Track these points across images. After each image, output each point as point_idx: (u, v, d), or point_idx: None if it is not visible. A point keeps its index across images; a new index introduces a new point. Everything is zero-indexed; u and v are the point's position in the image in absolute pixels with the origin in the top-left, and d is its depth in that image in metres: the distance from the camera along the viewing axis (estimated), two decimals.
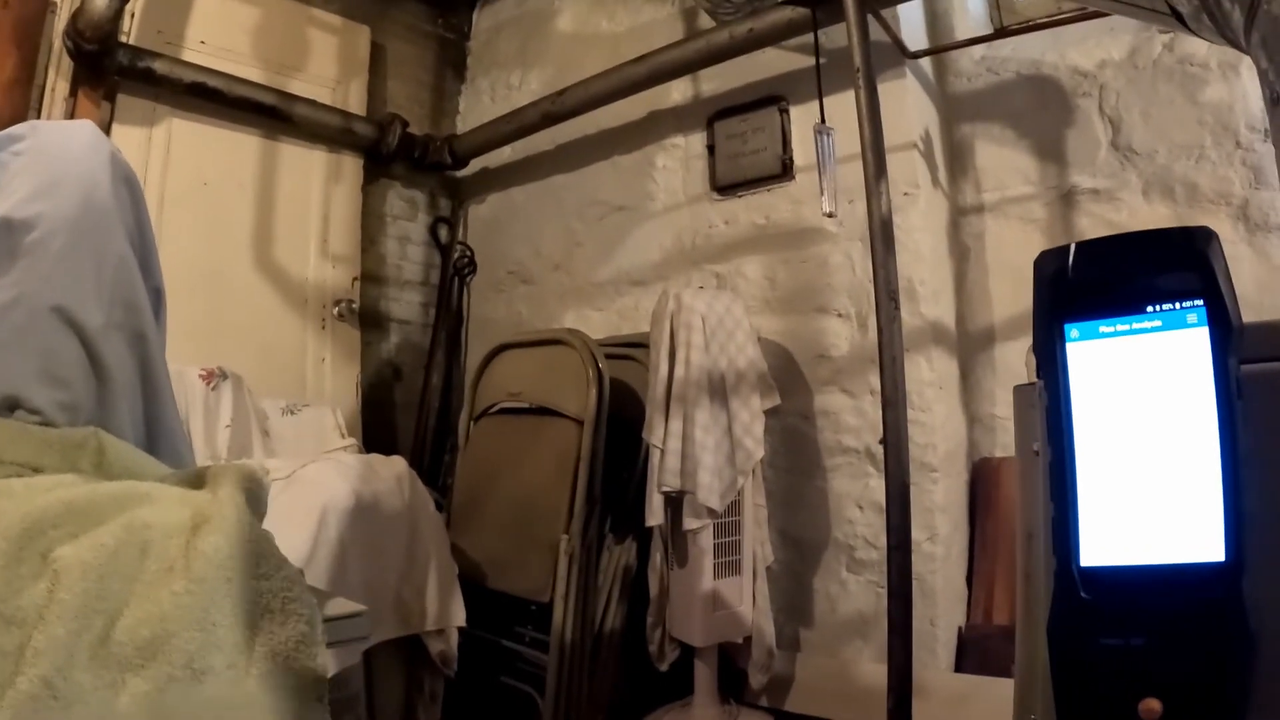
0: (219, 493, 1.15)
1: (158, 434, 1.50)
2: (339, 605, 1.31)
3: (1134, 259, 1.21)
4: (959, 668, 3.59)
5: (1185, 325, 1.14)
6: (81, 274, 1.34)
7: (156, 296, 1.59)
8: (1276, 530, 1.16)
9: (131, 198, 1.51)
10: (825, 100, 3.32)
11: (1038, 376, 1.27)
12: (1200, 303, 1.13)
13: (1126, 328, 1.18)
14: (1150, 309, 1.17)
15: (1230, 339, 1.11)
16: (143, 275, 1.51)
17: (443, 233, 5.89)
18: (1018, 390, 1.36)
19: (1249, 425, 1.13)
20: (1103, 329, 1.20)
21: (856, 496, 3.76)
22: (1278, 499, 1.17)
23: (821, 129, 3.13)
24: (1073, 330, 1.22)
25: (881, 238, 2.81)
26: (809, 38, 3.54)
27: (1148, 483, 1.16)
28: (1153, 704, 1.10)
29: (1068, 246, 1.22)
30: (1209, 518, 1.11)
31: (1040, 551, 1.24)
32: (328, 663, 1.07)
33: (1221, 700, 1.10)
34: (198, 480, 1.26)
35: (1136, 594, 1.15)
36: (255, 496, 1.20)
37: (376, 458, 3.33)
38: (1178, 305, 1.15)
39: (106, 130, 4.27)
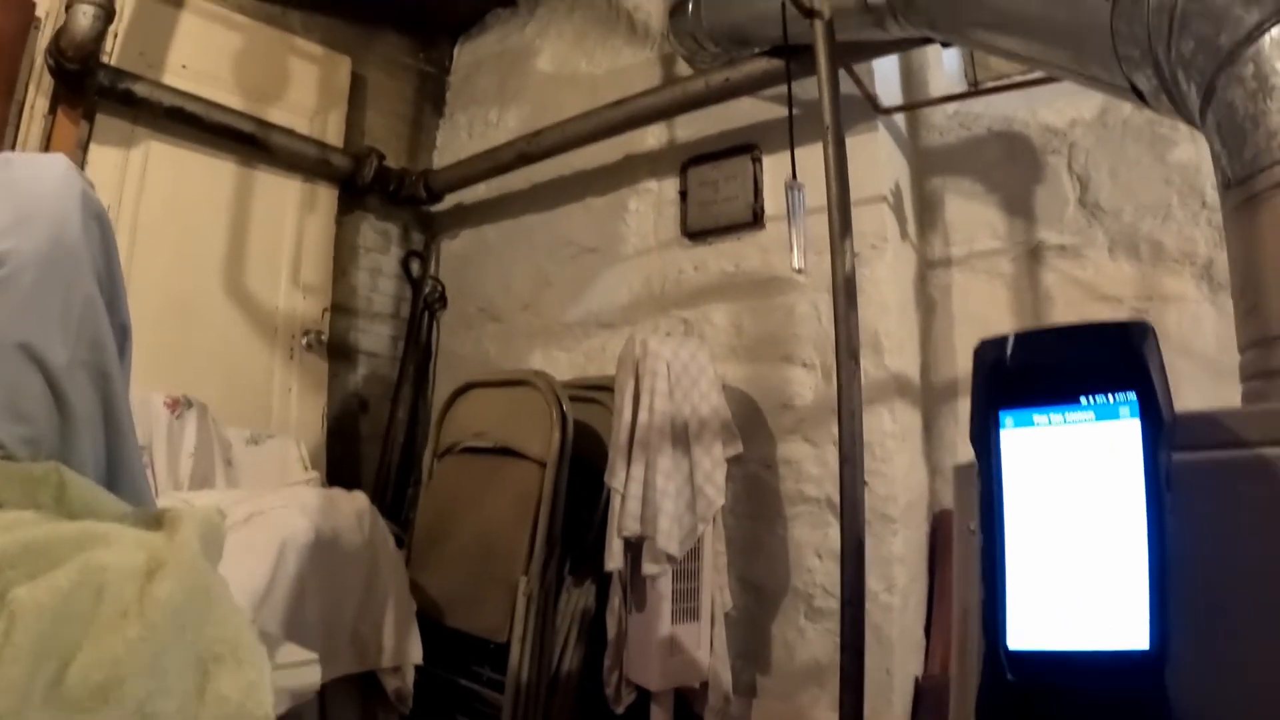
0: (175, 537, 1.16)
1: (119, 471, 1.51)
2: (291, 653, 1.31)
3: (1070, 350, 1.23)
4: (915, 717, 3.60)
5: (1117, 417, 1.16)
6: (49, 311, 1.35)
7: (122, 334, 1.60)
8: (1204, 619, 1.19)
9: (101, 235, 1.52)
10: (799, 151, 3.35)
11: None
12: (1133, 395, 1.15)
13: (1060, 418, 1.20)
14: (1084, 400, 1.18)
15: (1161, 432, 1.13)
16: (109, 313, 1.52)
17: (415, 266, 5.89)
18: (957, 469, 1.39)
19: (1177, 515, 1.16)
20: (1036, 418, 1.22)
21: (816, 545, 3.77)
22: (1205, 588, 1.20)
23: (792, 184, 3.15)
24: (1007, 418, 1.24)
25: (844, 295, 2.84)
26: (784, 88, 3.58)
27: (1077, 570, 1.17)
28: None
29: (1006, 336, 1.25)
30: (1135, 606, 1.12)
31: (973, 630, 1.26)
32: (272, 712, 1.08)
33: None
34: (156, 522, 1.27)
35: (1063, 679, 1.16)
36: (211, 541, 1.21)
37: (338, 492, 3.33)
38: (1111, 398, 1.17)
39: (84, 149, 4.29)
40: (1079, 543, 1.18)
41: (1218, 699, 1.18)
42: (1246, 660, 1.23)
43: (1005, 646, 1.21)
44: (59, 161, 1.50)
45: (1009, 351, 1.24)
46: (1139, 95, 2.21)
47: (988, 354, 1.27)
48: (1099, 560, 1.16)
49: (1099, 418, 1.18)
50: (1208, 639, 1.19)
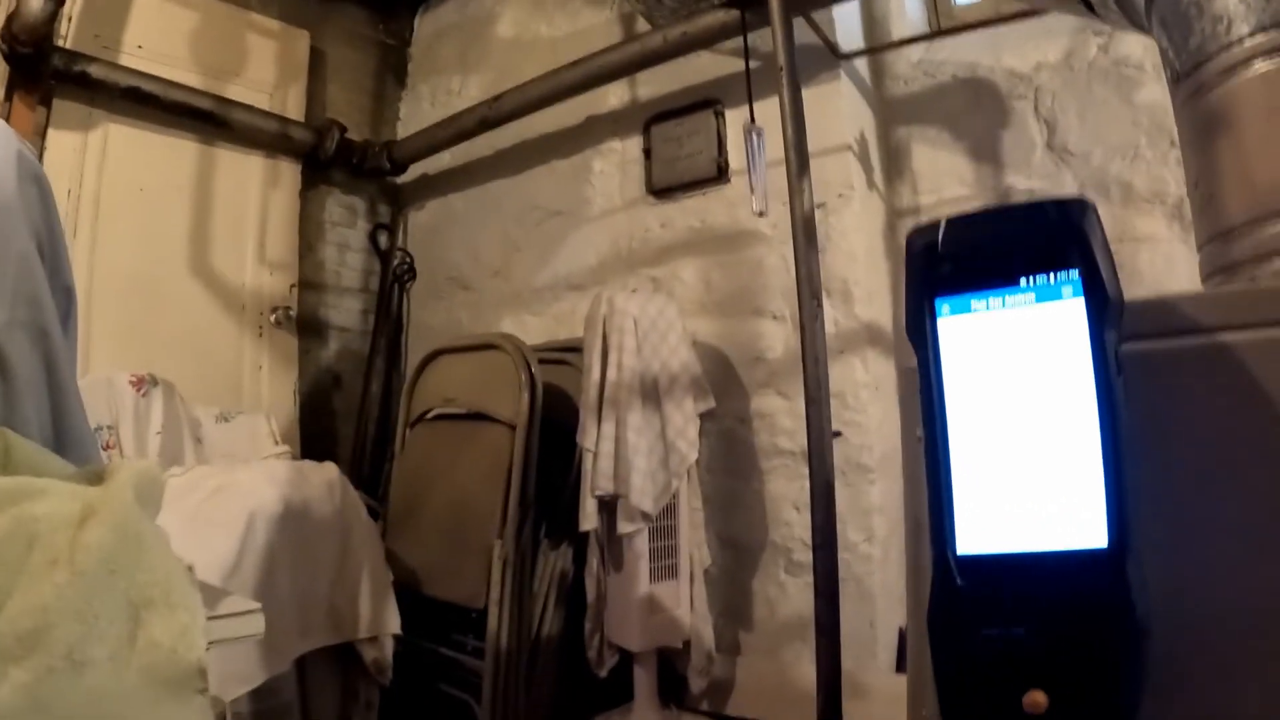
0: (108, 487, 1.13)
1: (65, 434, 1.48)
2: (234, 603, 1.29)
3: (1007, 231, 1.17)
4: (900, 668, 3.59)
5: (1060, 297, 1.10)
6: None
7: (67, 297, 1.56)
8: (1159, 516, 1.15)
9: (40, 196, 1.48)
10: (759, 103, 3.33)
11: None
12: (1075, 273, 1.10)
13: (999, 302, 1.14)
14: (1023, 281, 1.13)
15: (1107, 310, 1.08)
16: (51, 275, 1.48)
17: (382, 239, 5.85)
18: (904, 373, 1.35)
19: (1130, 404, 1.11)
20: (974, 304, 1.16)
21: (793, 498, 3.76)
22: (1159, 483, 1.17)
23: (751, 128, 3.14)
24: (943, 306, 1.18)
25: (804, 235, 2.81)
26: (742, 41, 3.54)
27: (1026, 465, 1.13)
28: (1038, 697, 1.06)
29: (939, 221, 1.20)
30: (1090, 502, 1.08)
31: (924, 544, 1.22)
32: (206, 656, 1.05)
33: (1109, 691, 1.07)
34: (97, 478, 1.24)
35: (1016, 582, 1.12)
36: (146, 491, 1.18)
37: (308, 464, 3.31)
38: (1052, 277, 1.11)
39: (42, 135, 4.23)
40: (1027, 435, 1.13)
41: (1174, 601, 1.15)
42: (1203, 559, 1.20)
43: (954, 552, 1.16)
44: None
45: (941, 236, 1.19)
46: (1087, 5, 2.19)
47: (919, 240, 1.22)
48: (1049, 453, 1.12)
49: (1040, 299, 1.12)
50: (1164, 539, 1.16)
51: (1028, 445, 1.13)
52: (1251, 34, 1.53)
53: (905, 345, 3.15)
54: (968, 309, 1.17)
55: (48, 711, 0.90)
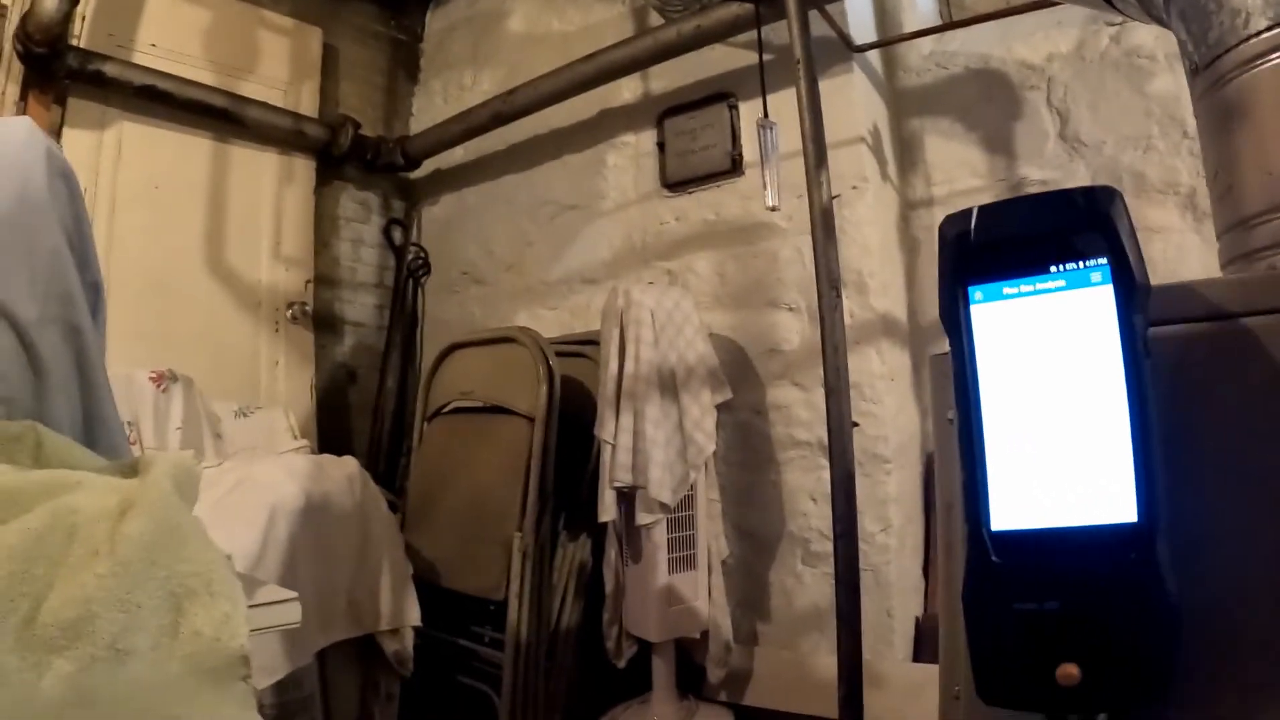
0: (146, 479, 1.15)
1: (96, 428, 1.50)
2: (270, 592, 1.30)
3: (1037, 220, 1.19)
4: (917, 658, 3.61)
5: (1089, 284, 1.12)
6: (16, 267, 1.33)
7: (95, 292, 1.58)
8: (1185, 497, 1.17)
9: (69, 193, 1.50)
10: (773, 96, 3.34)
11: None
12: (1104, 261, 1.11)
13: (1031, 288, 1.16)
14: (1054, 269, 1.14)
15: (1135, 296, 1.10)
16: (80, 271, 1.50)
17: (396, 234, 5.87)
18: (934, 359, 1.36)
19: (1157, 386, 1.13)
20: (1006, 290, 1.18)
21: (810, 489, 3.77)
22: (1184, 464, 1.19)
23: (764, 123, 3.15)
24: (976, 293, 1.20)
25: (822, 226, 2.82)
26: (756, 34, 3.55)
27: (1057, 444, 1.15)
28: (1070, 669, 1.08)
29: (971, 209, 1.22)
30: (1120, 478, 1.10)
31: (957, 523, 1.23)
32: (248, 644, 1.07)
33: (1140, 664, 1.10)
34: (131, 470, 1.26)
35: (1049, 558, 1.14)
36: (183, 483, 1.20)
37: (327, 458, 3.33)
38: (1081, 264, 1.13)
39: (57, 134, 4.26)
40: (1058, 416, 1.15)
41: (1201, 577, 1.17)
42: (1226, 535, 1.22)
43: (989, 528, 1.19)
44: (22, 123, 1.49)
45: (974, 224, 1.21)
46: (1108, 1, 2.20)
47: (952, 228, 1.24)
48: (1080, 432, 1.14)
49: (1070, 286, 1.14)
50: (1192, 518, 1.18)
51: (1059, 426, 1.15)
52: (1270, 27, 1.54)
53: (921, 335, 3.18)
54: (1000, 296, 1.19)
55: (92, 702, 0.92)
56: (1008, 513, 1.18)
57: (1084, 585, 1.12)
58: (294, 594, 1.33)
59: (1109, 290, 1.12)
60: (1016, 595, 1.15)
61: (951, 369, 1.24)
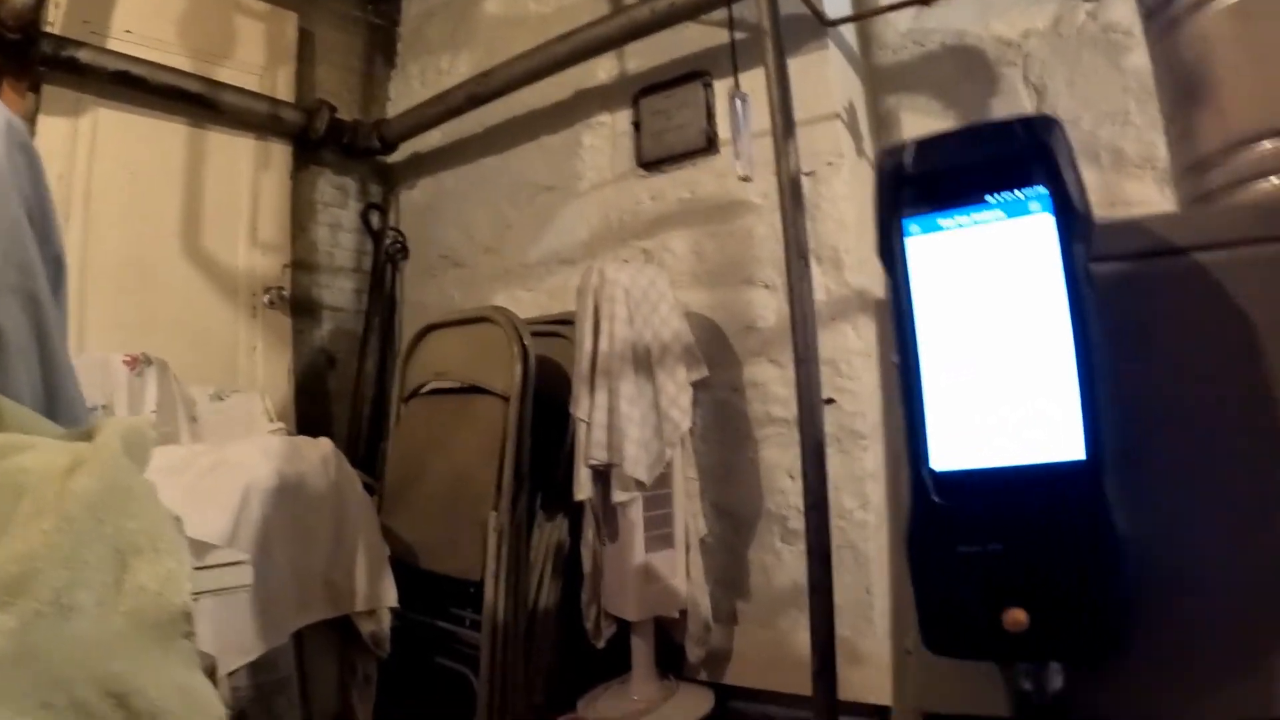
0: (96, 440, 1.14)
1: (57, 400, 1.48)
2: (221, 554, 1.30)
3: (974, 150, 1.18)
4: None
5: (1028, 213, 1.11)
6: None
7: (56, 266, 1.57)
8: (1135, 435, 1.16)
9: (29, 165, 1.49)
10: (751, 73, 3.33)
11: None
12: (1043, 189, 1.10)
13: (968, 219, 1.14)
14: (991, 199, 1.13)
15: (1076, 224, 1.08)
16: (41, 244, 1.49)
17: (374, 219, 5.85)
18: (878, 303, 1.35)
19: (1104, 320, 1.11)
20: (942, 221, 1.16)
21: (788, 466, 3.76)
22: (1134, 401, 1.17)
23: (736, 94, 3.15)
24: (912, 225, 1.18)
25: (791, 196, 2.81)
26: (731, 11, 3.55)
27: (999, 380, 1.13)
28: (1018, 615, 1.06)
29: (907, 141, 1.21)
30: (1065, 414, 1.08)
31: (904, 470, 1.21)
32: (191, 602, 1.06)
33: (1090, 607, 1.08)
34: (86, 436, 1.25)
35: (992, 497, 1.12)
36: (134, 444, 1.19)
37: (302, 439, 3.31)
38: (1019, 193, 1.11)
39: (32, 121, 4.24)
40: (1000, 350, 1.14)
41: (1151, 514, 1.15)
42: (1178, 475, 1.20)
43: (929, 468, 1.17)
44: None
45: (909, 156, 1.20)
46: None
47: (888, 161, 1.22)
48: (1022, 367, 1.12)
49: (1009, 215, 1.13)
50: (1142, 454, 1.16)
51: (1001, 360, 1.13)
52: None
53: None
54: (936, 228, 1.18)
55: (35, 656, 0.91)
56: (949, 452, 1.16)
57: (1029, 526, 1.10)
58: (245, 556, 1.32)
59: (1049, 219, 1.10)
60: (960, 538, 1.13)
61: (891, 306, 1.22)
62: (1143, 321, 1.24)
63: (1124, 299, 1.23)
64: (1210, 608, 1.17)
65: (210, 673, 1.11)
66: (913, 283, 1.19)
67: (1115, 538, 1.06)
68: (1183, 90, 1.64)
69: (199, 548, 1.23)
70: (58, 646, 0.93)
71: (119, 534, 1.03)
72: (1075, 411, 1.07)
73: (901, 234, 1.20)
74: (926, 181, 1.19)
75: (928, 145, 1.20)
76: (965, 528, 1.13)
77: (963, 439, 1.15)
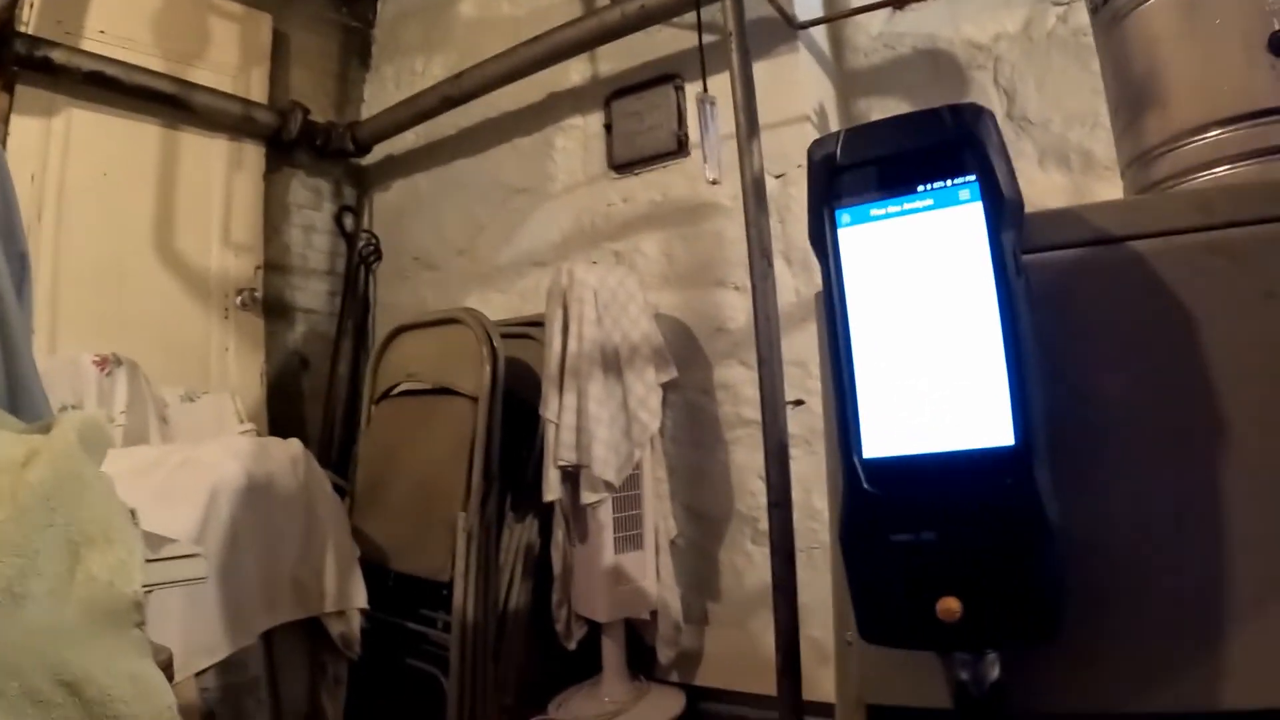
0: (53, 433, 1.15)
1: (20, 396, 1.49)
2: (176, 547, 1.30)
3: (904, 140, 1.17)
4: None
5: (958, 202, 1.12)
6: None
7: (21, 262, 1.58)
8: (1070, 424, 1.17)
9: None
10: (721, 77, 3.34)
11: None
12: (973, 178, 1.10)
13: (898, 209, 1.14)
14: (921, 188, 1.13)
15: (1005, 212, 1.08)
16: (5, 240, 1.50)
17: (348, 221, 5.85)
18: (816, 296, 1.36)
19: (1037, 308, 1.13)
20: (874, 211, 1.16)
21: (758, 468, 3.76)
22: (1070, 389, 1.19)
23: (704, 98, 3.16)
24: (844, 215, 1.18)
25: (754, 195, 2.82)
26: (702, 14, 3.56)
27: (931, 368, 1.14)
28: (951, 604, 1.06)
29: (838, 132, 1.21)
30: (995, 401, 1.09)
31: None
32: (142, 592, 1.07)
33: (1023, 595, 1.09)
34: (46, 429, 1.26)
35: (924, 485, 1.12)
36: (90, 438, 1.20)
37: (272, 440, 3.32)
38: (949, 182, 1.12)
39: (5, 121, 4.23)
40: (931, 338, 1.14)
41: (1085, 502, 1.17)
42: (1115, 463, 1.22)
43: (861, 455, 1.17)
44: None
45: (839, 147, 1.20)
46: None
47: (819, 151, 1.23)
48: (953, 355, 1.13)
49: (938, 204, 1.14)
50: (1071, 446, 1.18)
51: (933, 349, 1.13)
52: None
53: None
54: (867, 218, 1.18)
55: None
56: (881, 440, 1.16)
57: (961, 513, 1.10)
58: (198, 549, 1.33)
59: (978, 207, 1.10)
60: (892, 526, 1.13)
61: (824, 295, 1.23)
62: (1080, 310, 1.25)
63: (1062, 287, 1.24)
64: (1150, 597, 1.17)
65: (165, 666, 1.11)
66: (845, 273, 1.19)
67: (1046, 523, 1.06)
68: (1127, 84, 1.66)
69: (155, 540, 1.24)
70: (10, 634, 0.94)
71: (71, 525, 1.04)
72: (1004, 398, 1.08)
73: (834, 224, 1.20)
74: (857, 171, 1.19)
75: (858, 135, 1.20)
76: (897, 516, 1.13)
77: (894, 427, 1.15)
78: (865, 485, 1.15)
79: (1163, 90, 1.56)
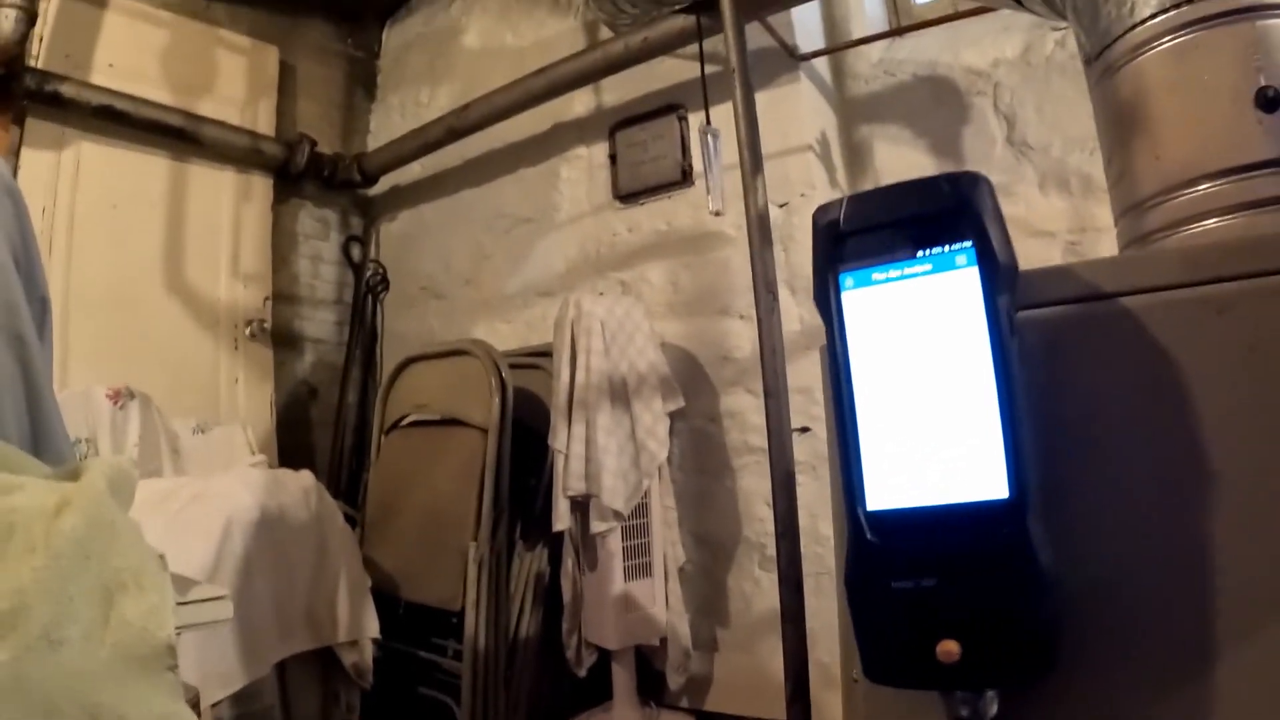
0: (82, 480, 1.18)
1: (42, 439, 1.51)
2: (202, 590, 1.34)
3: (904, 206, 1.21)
4: None
5: (955, 267, 1.16)
6: None
7: (42, 307, 1.60)
8: (1063, 477, 1.21)
9: (14, 209, 1.52)
10: (724, 106, 3.37)
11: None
12: (969, 244, 1.15)
13: (899, 273, 1.19)
14: (921, 253, 1.18)
15: (1000, 276, 1.12)
16: (27, 285, 1.52)
17: (355, 251, 5.88)
18: (821, 350, 1.40)
19: (1030, 365, 1.18)
20: (875, 275, 1.20)
21: (765, 494, 3.78)
22: (1062, 444, 1.23)
23: (707, 130, 3.19)
24: (847, 279, 1.22)
25: (759, 230, 2.85)
26: (704, 46, 3.60)
27: (929, 425, 1.18)
28: (950, 646, 1.11)
29: (842, 199, 1.26)
30: (990, 456, 1.13)
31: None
32: (174, 636, 1.10)
33: (1017, 638, 1.13)
34: (73, 475, 1.28)
35: (924, 535, 1.17)
36: (118, 484, 1.22)
37: (284, 471, 3.34)
38: (947, 248, 1.16)
39: (16, 154, 4.26)
40: (930, 397, 1.19)
41: (1080, 552, 1.20)
42: (1106, 513, 1.25)
43: (864, 508, 1.22)
44: None
45: (843, 212, 1.24)
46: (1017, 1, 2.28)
47: (823, 217, 1.27)
48: (950, 413, 1.18)
49: (937, 269, 1.18)
50: (1066, 496, 1.22)
51: (931, 406, 1.18)
52: (1154, 15, 1.61)
53: None
54: (869, 281, 1.23)
55: (25, 689, 0.94)
56: (882, 492, 1.21)
57: (959, 561, 1.15)
58: (223, 592, 1.36)
59: (974, 272, 1.15)
60: (894, 573, 1.18)
61: (827, 353, 1.27)
62: (1072, 364, 1.29)
63: (1054, 344, 1.28)
64: (1142, 638, 1.21)
65: (194, 705, 1.14)
66: (848, 333, 1.24)
67: (1039, 571, 1.11)
68: (1120, 135, 1.69)
69: (181, 583, 1.27)
70: (47, 678, 0.97)
71: (105, 571, 1.07)
72: (999, 453, 1.12)
73: (837, 287, 1.25)
74: (860, 237, 1.24)
75: (860, 202, 1.25)
76: (899, 564, 1.18)
77: (895, 480, 1.20)
78: (869, 535, 1.20)
79: (1154, 143, 1.59)
